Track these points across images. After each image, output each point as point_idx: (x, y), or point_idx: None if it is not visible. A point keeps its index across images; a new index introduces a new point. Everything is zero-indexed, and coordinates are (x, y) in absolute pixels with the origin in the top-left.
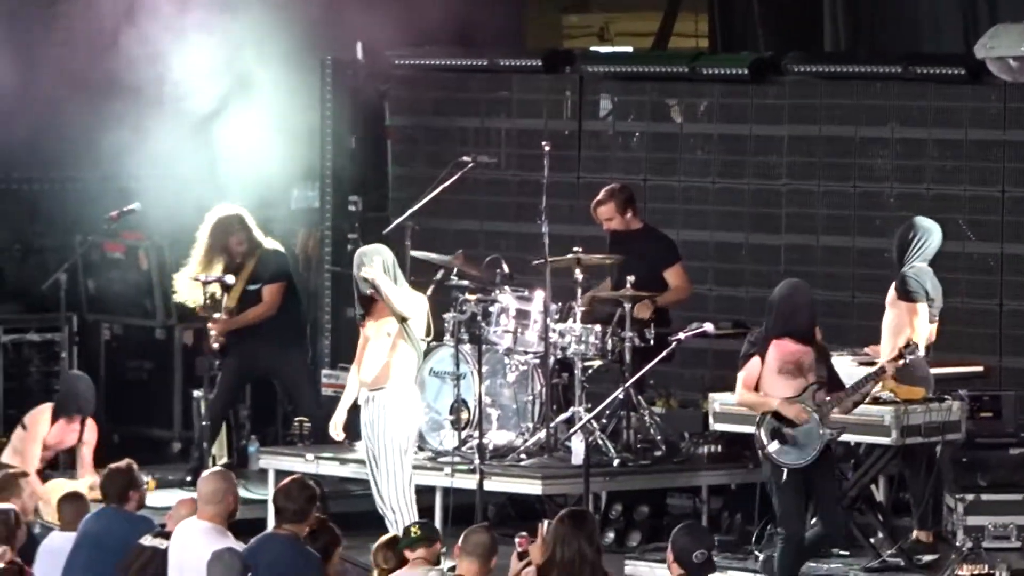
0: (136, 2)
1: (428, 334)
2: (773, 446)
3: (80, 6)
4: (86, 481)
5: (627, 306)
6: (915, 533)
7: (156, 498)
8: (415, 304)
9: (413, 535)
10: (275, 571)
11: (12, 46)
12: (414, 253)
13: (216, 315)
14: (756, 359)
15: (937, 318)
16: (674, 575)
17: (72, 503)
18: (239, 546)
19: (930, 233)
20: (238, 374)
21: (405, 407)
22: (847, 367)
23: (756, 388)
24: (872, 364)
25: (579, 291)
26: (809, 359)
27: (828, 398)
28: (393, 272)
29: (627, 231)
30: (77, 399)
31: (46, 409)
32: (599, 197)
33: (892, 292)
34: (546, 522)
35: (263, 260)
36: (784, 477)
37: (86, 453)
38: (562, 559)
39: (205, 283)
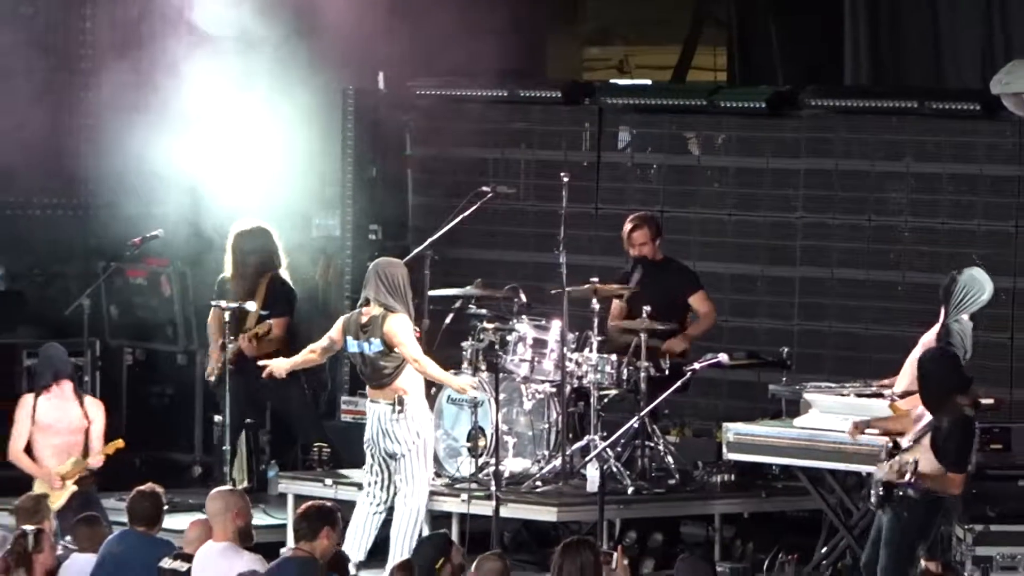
0: (161, 36)
1: None
2: None
3: (106, 41)
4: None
5: (643, 336)
6: (923, 563)
7: (176, 521)
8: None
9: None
10: None
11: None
12: (431, 293)
13: (234, 341)
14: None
15: None
16: None
17: (87, 526)
18: (259, 564)
19: (983, 290)
20: (243, 397)
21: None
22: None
23: None
24: (880, 396)
25: (595, 321)
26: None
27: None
28: (404, 289)
29: (653, 259)
30: (49, 363)
31: (26, 395)
32: (635, 223)
33: (932, 335)
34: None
35: (276, 289)
36: None
37: (93, 433)
38: None
39: (226, 309)
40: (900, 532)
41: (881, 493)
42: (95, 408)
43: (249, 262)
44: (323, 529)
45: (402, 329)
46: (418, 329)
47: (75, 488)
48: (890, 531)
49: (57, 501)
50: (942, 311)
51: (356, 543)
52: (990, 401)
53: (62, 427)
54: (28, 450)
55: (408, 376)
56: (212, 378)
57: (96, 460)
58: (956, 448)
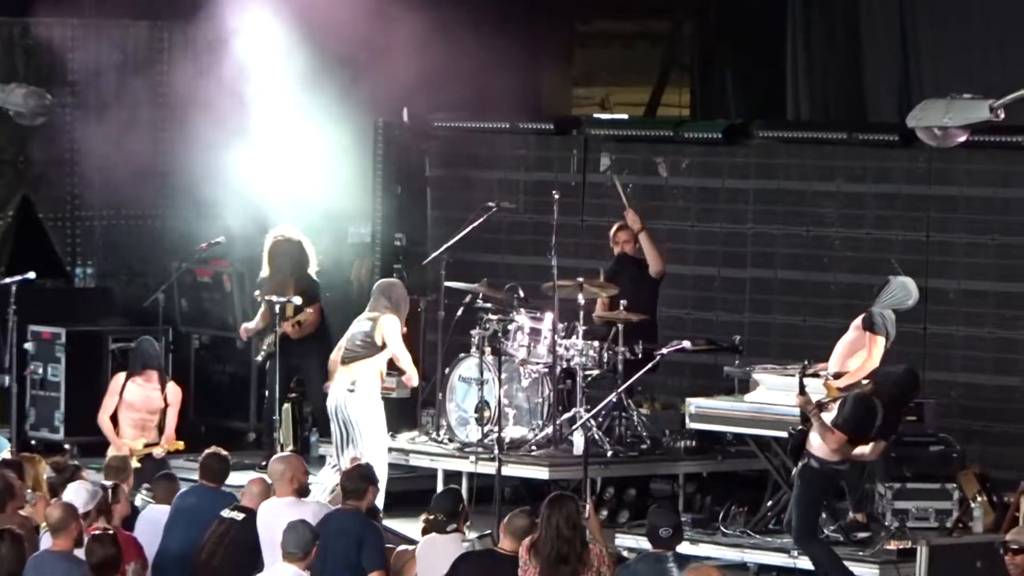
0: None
1: None
2: None
3: (181, 82)
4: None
5: (620, 325)
6: (851, 514)
7: (234, 478)
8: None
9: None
10: (342, 537)
11: (121, 105)
12: (447, 284)
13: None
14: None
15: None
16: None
17: (167, 481)
18: (321, 508)
19: (909, 296)
20: (285, 374)
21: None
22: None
23: None
24: (816, 376)
25: (581, 313)
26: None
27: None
28: (400, 304)
29: (632, 257)
30: (139, 357)
31: (120, 372)
32: (619, 225)
33: (860, 320)
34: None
35: (305, 284)
36: None
37: (169, 415)
38: (544, 536)
39: (275, 303)
40: (804, 496)
41: (790, 451)
42: (174, 394)
43: (283, 264)
44: (368, 488)
45: (391, 328)
46: (404, 328)
47: (138, 465)
48: (797, 495)
49: None
50: (875, 299)
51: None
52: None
53: (142, 407)
54: (114, 419)
55: (370, 364)
56: (261, 357)
57: (159, 452)
58: (850, 415)
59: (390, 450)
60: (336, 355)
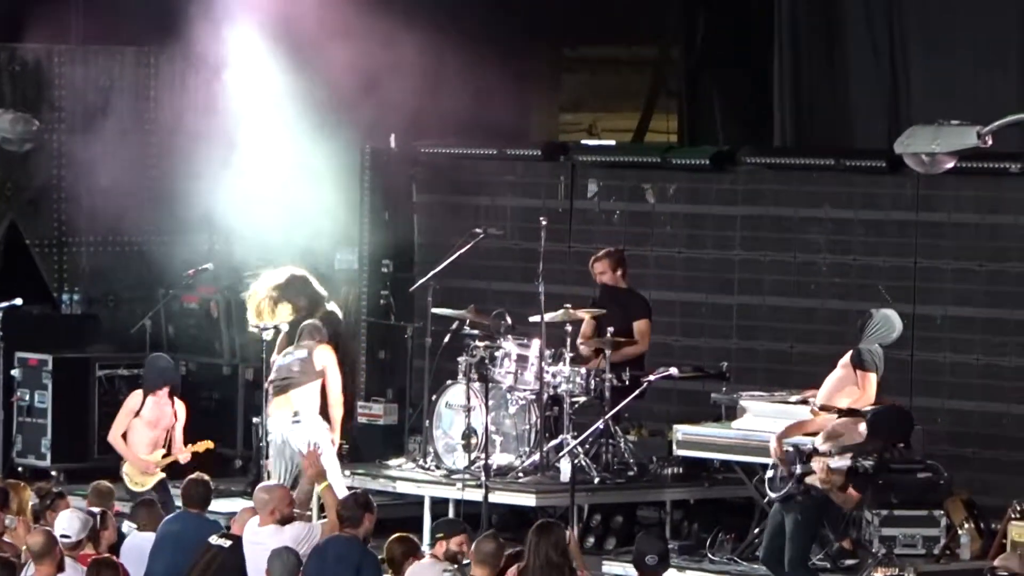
0: (214, 110)
1: None
2: None
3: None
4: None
5: (607, 352)
6: (836, 543)
7: (221, 505)
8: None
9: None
10: (340, 564)
11: (108, 131)
12: (434, 310)
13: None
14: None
15: None
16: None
17: (146, 508)
18: (301, 529)
19: (892, 329)
20: None
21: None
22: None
23: None
24: (805, 403)
25: (568, 339)
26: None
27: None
28: (325, 337)
29: (615, 287)
30: (160, 374)
31: (137, 391)
32: (599, 254)
33: (847, 358)
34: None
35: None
36: None
37: (177, 430)
38: (533, 564)
39: (263, 330)
40: (804, 526)
41: (801, 487)
42: (182, 408)
43: (301, 306)
44: (364, 515)
45: (329, 357)
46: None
47: (163, 475)
48: (796, 525)
49: (148, 483)
50: (859, 334)
51: None
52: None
53: (158, 424)
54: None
55: (309, 391)
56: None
57: (185, 456)
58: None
59: (377, 477)
60: (268, 386)
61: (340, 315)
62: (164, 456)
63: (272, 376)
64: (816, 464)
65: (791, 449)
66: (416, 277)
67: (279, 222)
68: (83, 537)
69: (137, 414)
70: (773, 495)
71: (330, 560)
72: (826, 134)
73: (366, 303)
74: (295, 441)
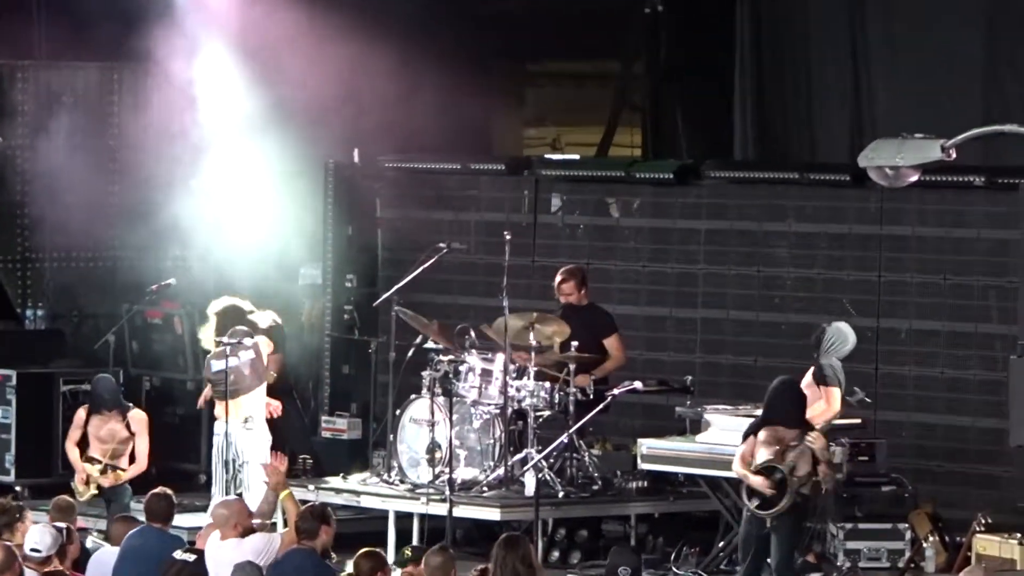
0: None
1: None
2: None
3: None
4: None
5: (571, 367)
6: (799, 557)
7: (185, 520)
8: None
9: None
10: (300, 574)
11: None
12: (397, 308)
13: None
14: (751, 438)
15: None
16: None
17: (121, 523)
18: (261, 540)
19: (846, 341)
20: None
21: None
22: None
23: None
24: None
25: (532, 355)
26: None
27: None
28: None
29: (579, 305)
30: (98, 398)
31: (82, 407)
32: (563, 276)
33: (809, 376)
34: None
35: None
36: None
37: (138, 444)
38: None
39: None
40: (795, 533)
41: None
42: (137, 422)
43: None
44: (321, 527)
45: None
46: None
47: (96, 492)
48: (789, 533)
49: (86, 495)
50: (815, 355)
51: None
52: None
53: (109, 439)
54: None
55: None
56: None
57: (107, 480)
58: None
59: (341, 491)
60: (209, 392)
61: (281, 323)
62: (103, 471)
63: (212, 377)
64: (814, 440)
65: (778, 472)
66: (380, 292)
67: (243, 237)
68: (52, 553)
69: (85, 430)
70: (774, 511)
71: (289, 572)
72: (790, 148)
73: (330, 317)
74: (247, 448)
